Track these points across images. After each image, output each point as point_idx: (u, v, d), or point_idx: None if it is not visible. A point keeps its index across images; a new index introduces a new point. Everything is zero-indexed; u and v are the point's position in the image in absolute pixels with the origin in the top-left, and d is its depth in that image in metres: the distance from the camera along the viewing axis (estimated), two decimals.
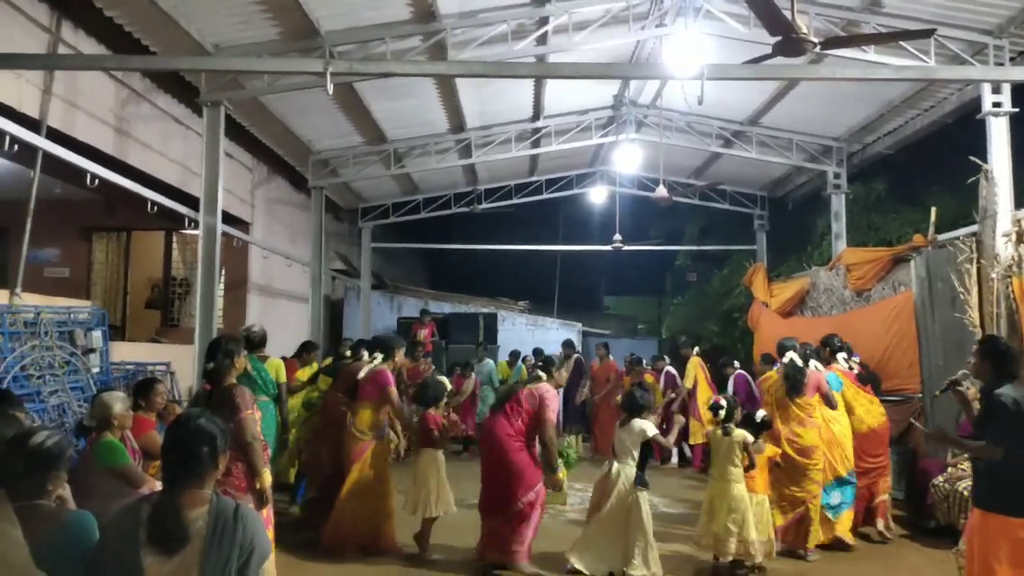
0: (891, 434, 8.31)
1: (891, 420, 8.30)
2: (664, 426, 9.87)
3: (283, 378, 7.23)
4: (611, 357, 12.83)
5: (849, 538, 6.63)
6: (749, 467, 5.91)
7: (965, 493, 6.40)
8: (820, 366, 6.80)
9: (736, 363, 11.08)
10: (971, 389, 5.21)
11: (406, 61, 8.75)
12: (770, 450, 6.18)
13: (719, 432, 6.01)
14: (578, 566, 5.70)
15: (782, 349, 6.72)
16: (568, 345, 12.19)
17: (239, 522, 2.29)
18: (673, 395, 11.23)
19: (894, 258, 9.27)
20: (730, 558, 5.77)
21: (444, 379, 7.14)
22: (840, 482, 6.66)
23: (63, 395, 6.89)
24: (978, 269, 7.61)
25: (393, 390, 6.36)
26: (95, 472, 4.28)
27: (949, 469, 7.00)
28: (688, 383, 11.02)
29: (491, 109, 12.07)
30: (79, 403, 6.90)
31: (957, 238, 8.22)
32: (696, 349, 11.48)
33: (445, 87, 10.67)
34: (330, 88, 7.30)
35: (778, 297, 12.39)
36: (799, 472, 6.37)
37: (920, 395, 8.30)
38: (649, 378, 11.49)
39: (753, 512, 5.83)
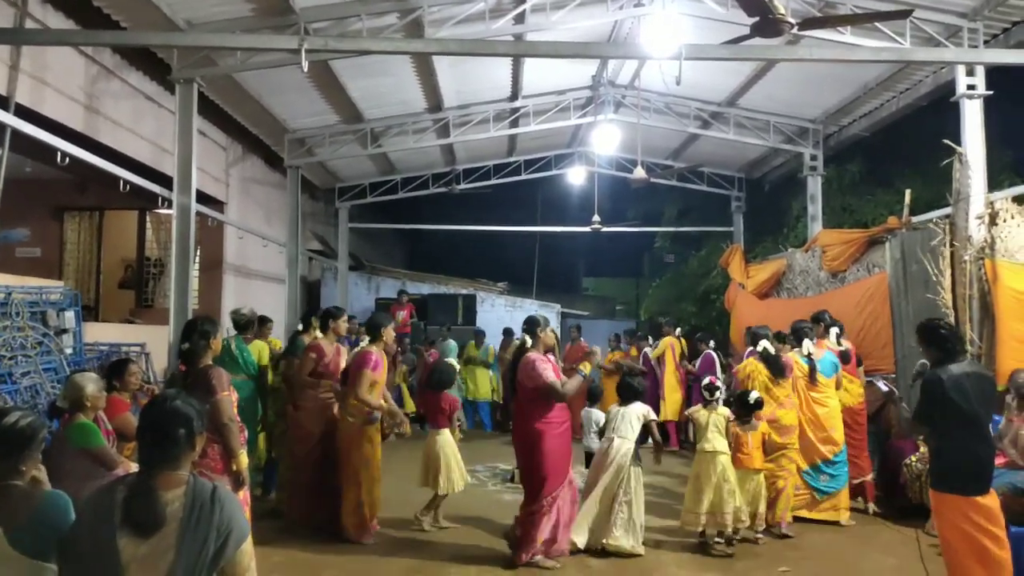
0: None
1: (864, 400, 8.43)
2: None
3: (265, 360, 7.19)
4: (582, 339, 12.92)
5: (844, 518, 6.86)
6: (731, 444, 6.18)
7: None
8: (811, 346, 6.96)
9: (712, 342, 11.26)
10: None
11: (382, 39, 8.63)
12: (763, 427, 6.42)
13: (704, 410, 6.29)
14: (575, 540, 5.82)
15: (755, 337, 6.97)
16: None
17: (216, 504, 2.27)
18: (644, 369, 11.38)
19: (869, 240, 9.35)
20: (728, 529, 5.96)
21: (454, 362, 7.17)
22: (827, 464, 6.86)
23: (35, 376, 6.81)
24: (951, 251, 7.70)
25: (366, 372, 5.95)
26: (68, 454, 4.23)
27: (921, 449, 7.11)
28: (655, 356, 11.28)
29: (469, 88, 11.99)
30: (52, 384, 6.82)
31: (931, 220, 8.31)
32: (678, 331, 11.68)
33: (422, 65, 10.57)
34: (305, 65, 7.21)
35: (754, 278, 12.49)
36: (776, 451, 6.57)
37: (894, 375, 8.40)
38: (634, 351, 11.82)
39: (748, 487, 6.14)
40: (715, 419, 6.22)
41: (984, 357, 7.20)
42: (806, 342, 6.93)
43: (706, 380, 6.63)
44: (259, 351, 7.19)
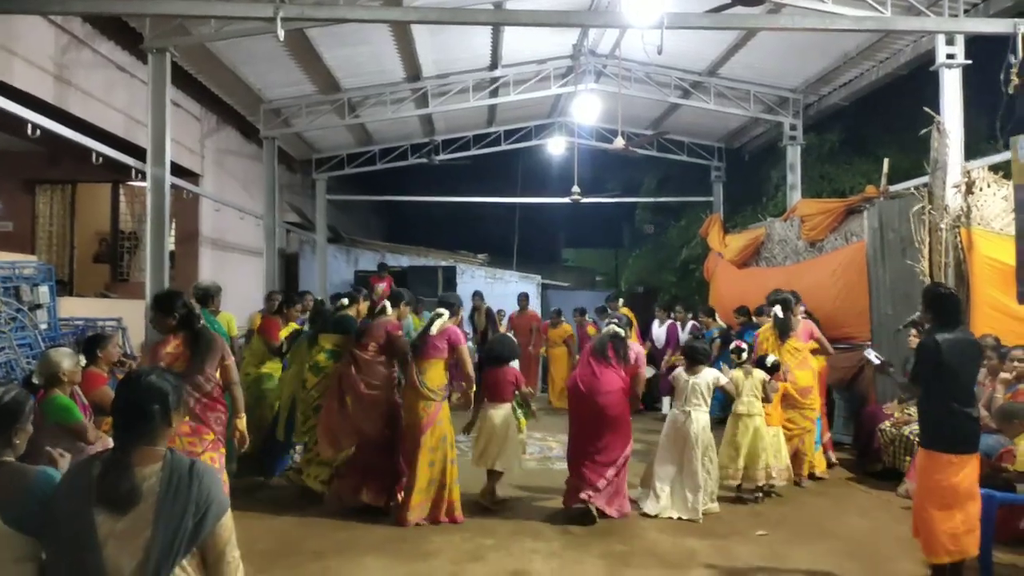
0: (840, 380, 8.60)
1: (841, 367, 8.56)
2: None
3: (234, 331, 7.26)
4: (530, 308, 13.10)
5: (821, 469, 7.37)
6: (764, 401, 6.60)
7: (911, 437, 6.65)
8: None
9: (673, 312, 11.91)
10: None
11: (359, 6, 8.50)
12: (782, 387, 6.86)
13: (740, 373, 6.65)
14: (666, 513, 6.10)
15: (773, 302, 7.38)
16: (478, 296, 13.45)
17: (195, 478, 2.26)
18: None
19: (847, 209, 9.41)
20: (759, 483, 6.51)
21: (511, 336, 7.02)
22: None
23: (10, 352, 6.72)
24: (928, 220, 7.76)
25: (465, 348, 6.18)
26: (45, 430, 4.19)
27: (896, 415, 7.23)
28: None
29: (448, 57, 11.85)
30: (27, 360, 6.74)
31: (909, 189, 8.37)
32: (621, 301, 12.16)
33: (400, 34, 10.43)
34: (281, 34, 7.06)
35: (732, 246, 12.56)
36: (796, 409, 7.03)
37: (869, 343, 8.50)
38: (592, 331, 12.02)
39: (771, 442, 6.56)
40: (752, 383, 6.60)
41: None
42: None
43: (733, 344, 7.00)
44: (227, 322, 7.24)
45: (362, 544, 5.41)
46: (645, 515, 6.11)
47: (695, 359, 6.40)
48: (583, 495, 5.88)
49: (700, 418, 6.20)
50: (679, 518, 6.03)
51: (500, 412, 6.30)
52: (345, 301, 6.97)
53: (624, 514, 6.04)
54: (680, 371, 6.48)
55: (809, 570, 4.97)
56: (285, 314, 7.71)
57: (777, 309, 7.21)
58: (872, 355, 4.96)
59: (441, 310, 6.20)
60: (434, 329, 6.08)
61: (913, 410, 6.33)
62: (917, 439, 4.77)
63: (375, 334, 6.25)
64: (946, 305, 4.47)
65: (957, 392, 4.33)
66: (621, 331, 6.26)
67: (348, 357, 6.32)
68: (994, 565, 4.70)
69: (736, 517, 6.14)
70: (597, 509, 5.89)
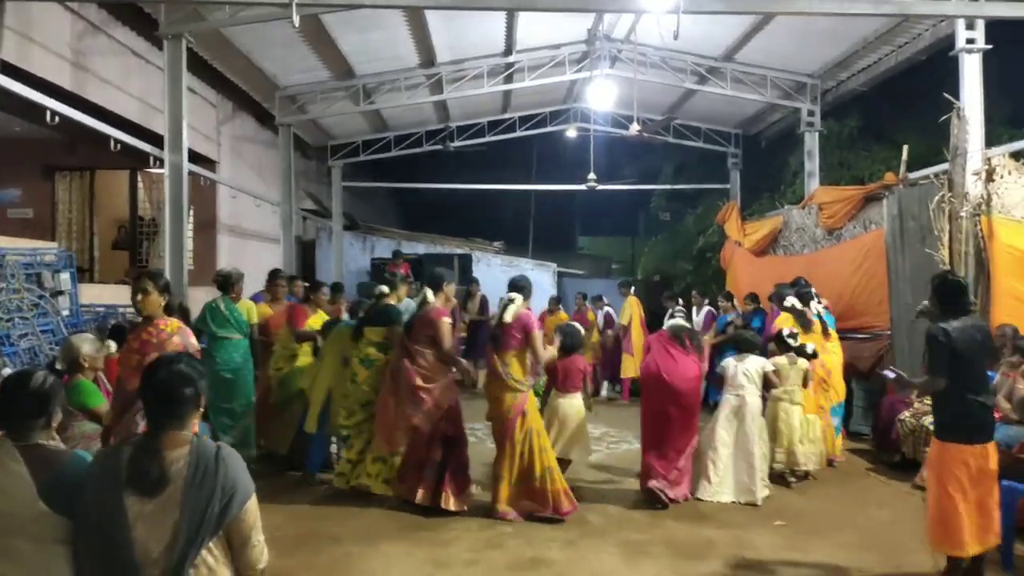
0: (860, 370, 8.55)
1: (860, 356, 8.52)
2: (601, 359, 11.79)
3: (255, 318, 7.17)
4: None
5: (840, 457, 7.55)
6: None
7: (930, 427, 6.59)
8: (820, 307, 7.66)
9: (707, 299, 11.67)
10: None
11: None
12: (816, 374, 7.12)
13: (786, 361, 6.84)
14: (720, 497, 6.22)
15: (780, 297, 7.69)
16: (475, 283, 13.28)
17: (220, 463, 2.30)
18: (610, 332, 11.91)
19: (866, 197, 9.33)
20: (802, 468, 6.73)
21: (578, 326, 6.78)
22: (837, 407, 7.60)
23: (33, 338, 6.80)
24: (948, 208, 7.67)
25: (539, 335, 5.84)
26: (68, 414, 4.23)
27: (915, 405, 7.18)
28: (624, 320, 11.59)
29: (462, 43, 11.81)
30: (50, 346, 6.82)
31: (928, 176, 8.28)
32: (632, 290, 12.04)
33: (414, 19, 10.40)
34: (296, 20, 7.05)
35: (751, 236, 12.48)
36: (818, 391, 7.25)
37: (889, 331, 8.45)
38: (591, 316, 12.07)
39: (808, 428, 6.82)
40: (796, 371, 6.81)
41: (979, 313, 7.22)
42: (813, 303, 7.46)
43: (787, 330, 7.04)
44: (247, 310, 7.16)
45: (381, 531, 5.45)
46: (699, 499, 6.23)
47: (742, 347, 6.72)
48: (652, 484, 6.09)
49: (754, 402, 6.39)
50: (734, 502, 6.17)
51: (571, 402, 6.32)
52: (385, 289, 6.64)
53: (685, 497, 6.19)
54: (730, 360, 6.69)
55: (826, 562, 4.95)
56: (313, 300, 7.43)
57: (794, 301, 7.42)
58: (889, 373, 4.87)
59: (513, 295, 5.95)
60: (508, 317, 5.84)
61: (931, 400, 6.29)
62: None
63: (424, 325, 6.03)
64: (952, 292, 4.41)
65: (970, 381, 4.25)
66: (687, 324, 6.47)
67: (402, 350, 6.06)
68: (1015, 557, 4.67)
69: (754, 507, 6.13)
70: (666, 495, 6.06)
